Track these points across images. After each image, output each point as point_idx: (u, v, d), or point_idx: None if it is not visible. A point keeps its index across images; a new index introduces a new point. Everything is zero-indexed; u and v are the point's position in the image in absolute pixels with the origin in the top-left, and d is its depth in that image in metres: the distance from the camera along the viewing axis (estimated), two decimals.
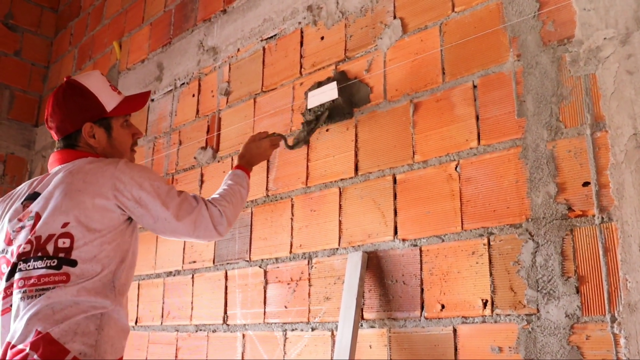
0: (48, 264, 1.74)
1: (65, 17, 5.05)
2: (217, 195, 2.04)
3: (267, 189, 2.64)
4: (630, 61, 1.65)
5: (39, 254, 1.76)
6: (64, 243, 1.75)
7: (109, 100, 1.98)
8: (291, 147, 2.45)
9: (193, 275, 2.92)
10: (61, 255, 1.75)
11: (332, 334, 2.20)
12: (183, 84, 3.36)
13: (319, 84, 2.48)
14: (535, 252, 1.74)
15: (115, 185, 1.80)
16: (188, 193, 1.95)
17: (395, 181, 2.15)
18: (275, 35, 2.83)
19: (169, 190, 1.89)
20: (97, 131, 1.96)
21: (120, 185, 1.81)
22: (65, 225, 1.77)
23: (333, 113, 2.40)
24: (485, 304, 1.82)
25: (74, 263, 1.74)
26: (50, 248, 1.75)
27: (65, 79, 2.00)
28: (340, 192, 2.32)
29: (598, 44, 1.73)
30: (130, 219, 1.88)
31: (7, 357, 1.66)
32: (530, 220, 1.77)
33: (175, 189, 1.92)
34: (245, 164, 2.25)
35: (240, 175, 2.17)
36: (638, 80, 1.63)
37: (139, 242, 1.99)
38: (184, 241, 3.02)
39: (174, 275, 3.04)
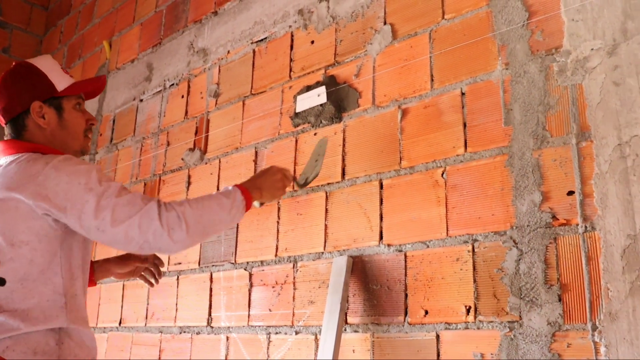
0: None
1: (56, 15, 5.03)
2: (183, 200, 1.73)
3: None
4: (617, 72, 1.67)
5: None
6: None
7: (60, 80, 1.85)
8: (301, 186, 2.17)
9: (178, 277, 2.91)
10: None
11: (316, 337, 2.20)
12: (172, 84, 3.36)
13: (308, 88, 2.49)
14: (519, 259, 1.75)
15: (38, 192, 1.59)
16: (137, 193, 1.67)
17: (381, 186, 2.16)
18: (265, 38, 2.83)
19: (103, 191, 1.61)
20: (47, 111, 1.81)
21: (43, 192, 1.59)
22: None
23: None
24: (468, 311, 1.83)
25: (1, 281, 1.57)
26: None
27: (14, 63, 1.90)
28: (326, 196, 2.32)
29: (585, 55, 1.74)
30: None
31: None
32: (514, 227, 1.78)
33: (116, 189, 1.64)
34: (248, 183, 1.90)
35: (228, 190, 1.82)
36: (624, 91, 1.64)
37: (90, 244, 1.81)
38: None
39: None
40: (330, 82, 2.42)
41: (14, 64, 1.89)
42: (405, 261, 2.02)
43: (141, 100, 3.58)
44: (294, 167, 2.48)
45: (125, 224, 1.59)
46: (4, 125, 1.86)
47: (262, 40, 2.85)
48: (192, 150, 3.05)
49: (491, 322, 1.78)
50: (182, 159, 3.09)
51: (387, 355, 2.00)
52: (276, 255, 2.46)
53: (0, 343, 1.55)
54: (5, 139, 1.84)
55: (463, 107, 1.99)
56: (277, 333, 2.36)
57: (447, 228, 1.94)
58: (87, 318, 1.77)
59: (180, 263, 2.91)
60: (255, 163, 2.64)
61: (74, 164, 1.68)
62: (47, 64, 1.87)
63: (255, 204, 1.96)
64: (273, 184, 1.95)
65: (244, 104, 2.84)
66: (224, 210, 1.74)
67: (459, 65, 2.04)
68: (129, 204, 1.61)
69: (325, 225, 2.30)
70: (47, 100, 1.82)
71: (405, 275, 2.01)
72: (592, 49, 1.73)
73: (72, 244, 1.71)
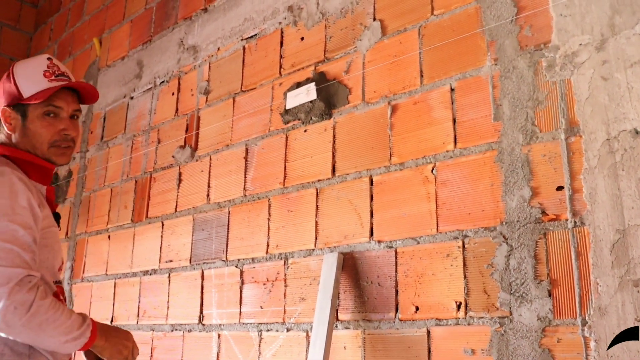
0: None
1: (45, 13, 5.00)
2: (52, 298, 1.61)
3: (244, 188, 2.63)
4: (605, 67, 1.67)
5: None
6: None
7: (30, 86, 1.78)
8: None
9: (169, 275, 2.91)
10: None
11: (307, 334, 2.20)
12: (163, 82, 3.34)
13: (298, 85, 2.49)
14: (509, 255, 1.75)
15: None
16: (18, 254, 1.57)
17: (372, 183, 2.15)
18: (255, 34, 2.82)
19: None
20: (14, 117, 1.80)
21: None
22: None
23: None
24: (459, 307, 1.83)
25: None
26: None
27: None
28: (317, 192, 2.32)
29: (574, 50, 1.74)
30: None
31: None
32: (504, 223, 1.78)
33: (16, 252, 1.57)
34: (104, 327, 1.75)
35: (87, 323, 1.66)
36: (612, 86, 1.64)
37: (56, 253, 1.80)
38: (161, 240, 3.01)
39: (151, 274, 3.02)
40: (320, 79, 2.41)
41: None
42: (396, 257, 2.02)
43: (132, 98, 3.56)
44: (285, 164, 2.48)
45: None
46: None
47: (252, 37, 2.84)
48: (182, 147, 3.04)
49: (482, 317, 1.78)
50: (173, 157, 3.08)
51: (378, 352, 2.00)
52: (267, 252, 2.45)
53: None
54: None
55: (452, 103, 1.99)
56: (268, 330, 2.35)
57: (437, 224, 1.94)
58: None
59: (171, 261, 2.90)
60: (246, 160, 2.64)
61: None
62: (27, 67, 1.83)
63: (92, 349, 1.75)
64: (119, 344, 1.76)
65: (234, 101, 2.83)
66: (65, 335, 1.60)
67: (448, 61, 2.04)
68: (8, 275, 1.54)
69: (316, 222, 2.29)
70: (15, 106, 1.80)
71: (396, 271, 2.01)
72: (580, 44, 1.73)
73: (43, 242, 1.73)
